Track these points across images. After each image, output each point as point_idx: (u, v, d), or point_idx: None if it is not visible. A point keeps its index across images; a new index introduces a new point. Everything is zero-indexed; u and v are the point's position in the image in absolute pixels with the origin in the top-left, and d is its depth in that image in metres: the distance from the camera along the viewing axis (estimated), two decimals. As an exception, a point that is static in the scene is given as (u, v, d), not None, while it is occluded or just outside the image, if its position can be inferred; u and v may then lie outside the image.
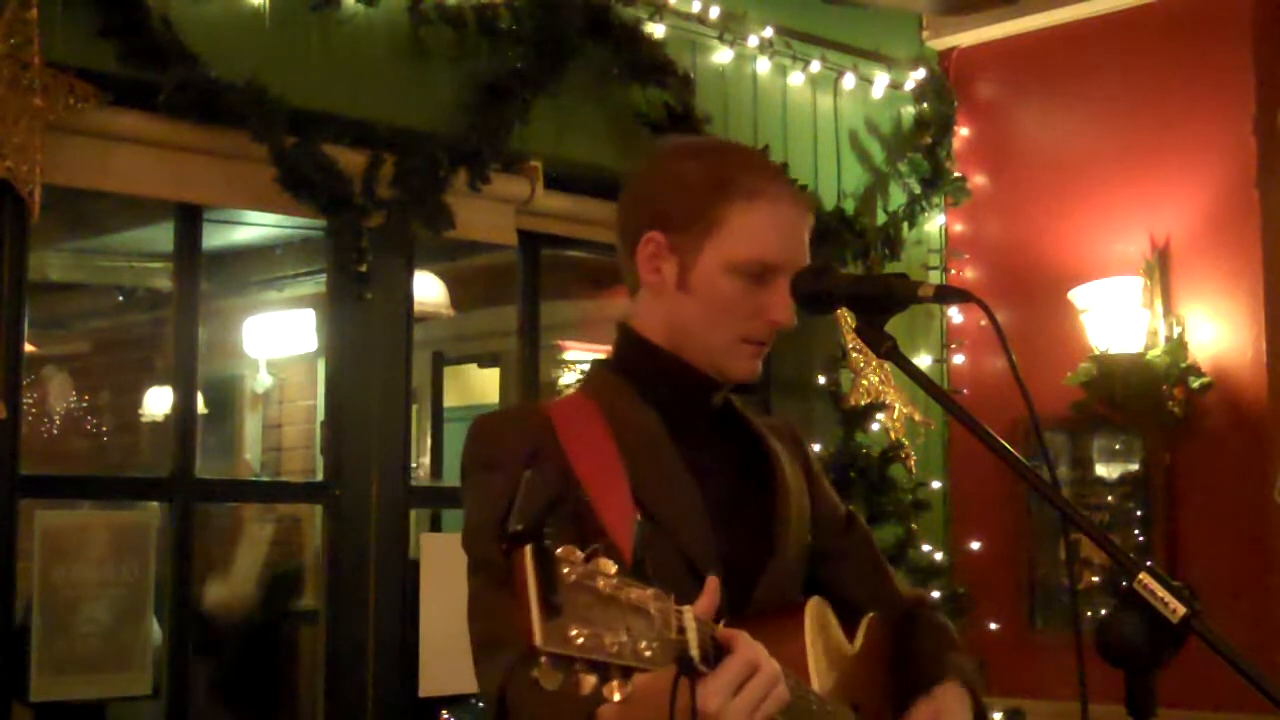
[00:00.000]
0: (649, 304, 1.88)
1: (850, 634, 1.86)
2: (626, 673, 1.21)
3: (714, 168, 1.83)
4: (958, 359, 4.73)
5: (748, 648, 1.39)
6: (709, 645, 1.35)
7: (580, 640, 1.15)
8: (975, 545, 4.60)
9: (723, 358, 1.81)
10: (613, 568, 1.22)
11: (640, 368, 1.86)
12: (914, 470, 4.45)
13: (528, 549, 1.15)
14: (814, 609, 1.73)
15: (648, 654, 1.22)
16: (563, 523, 1.59)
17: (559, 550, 1.17)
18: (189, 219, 3.39)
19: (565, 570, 1.16)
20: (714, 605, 1.40)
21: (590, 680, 1.17)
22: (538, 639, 1.13)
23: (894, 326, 1.69)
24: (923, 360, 4.64)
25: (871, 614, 1.92)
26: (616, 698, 1.19)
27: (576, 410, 1.81)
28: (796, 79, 4.40)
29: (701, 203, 1.80)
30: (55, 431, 6.92)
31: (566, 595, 1.15)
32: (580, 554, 1.20)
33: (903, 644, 1.96)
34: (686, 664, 1.28)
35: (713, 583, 1.42)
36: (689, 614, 1.31)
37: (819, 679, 1.66)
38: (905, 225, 4.58)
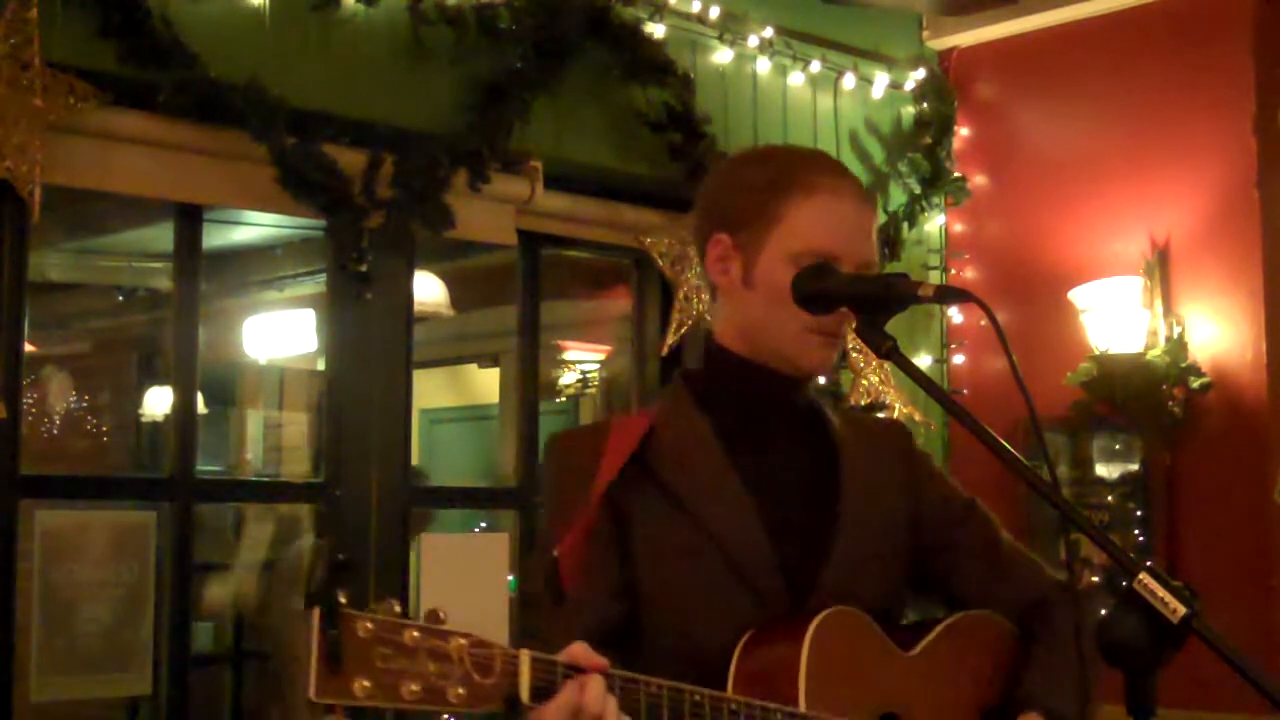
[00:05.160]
0: (724, 307, 1.92)
1: (916, 640, 1.86)
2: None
3: (773, 166, 1.88)
4: (958, 359, 4.73)
5: (568, 693, 1.45)
6: (557, 685, 1.45)
7: (362, 691, 1.30)
8: (975, 545, 4.59)
9: (791, 349, 1.84)
10: (439, 621, 1.37)
11: (707, 374, 1.92)
12: (914, 470, 4.45)
13: (315, 611, 1.30)
14: (829, 621, 1.73)
15: (457, 699, 1.36)
16: (605, 544, 1.77)
17: (378, 608, 1.33)
18: (189, 219, 3.39)
19: (365, 626, 1.31)
20: (584, 652, 1.49)
21: None
22: (311, 693, 1.29)
23: (894, 326, 1.70)
24: (923, 360, 4.64)
25: (953, 618, 1.92)
26: None
27: (633, 423, 1.86)
28: (796, 79, 4.40)
29: (761, 200, 1.85)
30: (55, 431, 6.92)
31: (358, 650, 1.30)
32: (397, 609, 1.35)
33: (1014, 646, 1.94)
34: (512, 703, 1.40)
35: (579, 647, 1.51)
36: (525, 656, 1.42)
37: (821, 693, 1.68)
38: (905, 225, 4.58)
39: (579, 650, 1.50)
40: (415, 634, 1.35)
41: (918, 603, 2.06)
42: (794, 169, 1.87)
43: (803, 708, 1.67)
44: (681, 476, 1.82)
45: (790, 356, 1.85)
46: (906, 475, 1.98)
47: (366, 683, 1.31)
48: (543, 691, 1.44)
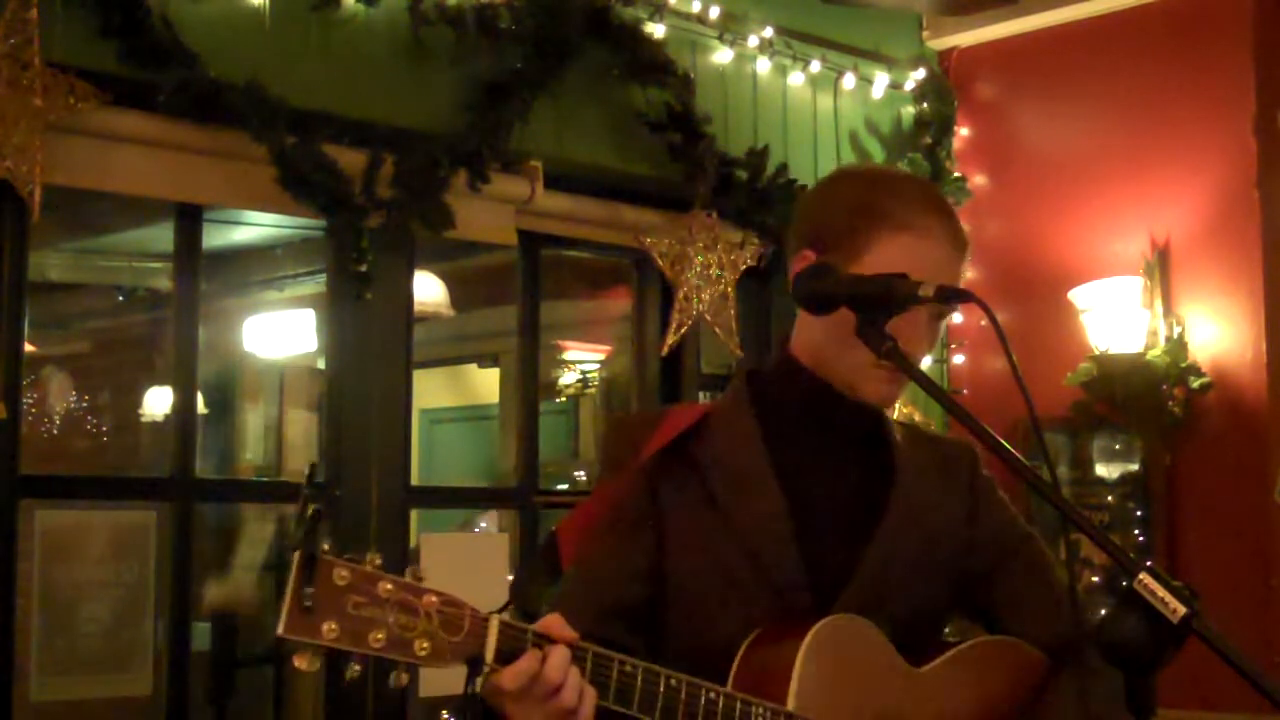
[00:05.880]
0: (801, 320, 1.91)
1: (934, 657, 1.86)
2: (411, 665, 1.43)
3: (869, 194, 1.86)
4: (958, 359, 4.73)
5: (527, 660, 1.49)
6: (523, 650, 1.49)
7: (330, 633, 1.37)
8: (975, 545, 4.59)
9: (855, 379, 1.84)
10: (414, 578, 1.43)
11: (771, 379, 1.92)
12: (914, 470, 4.44)
13: (295, 554, 1.37)
14: (831, 626, 1.74)
15: (422, 651, 1.42)
16: (639, 528, 1.81)
17: (358, 559, 1.40)
18: (189, 219, 3.39)
19: (341, 573, 1.38)
20: (559, 624, 1.53)
21: (355, 668, 1.40)
22: (280, 628, 1.36)
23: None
24: (923, 360, 4.63)
25: (976, 641, 1.93)
26: (391, 683, 1.44)
27: (686, 413, 1.88)
28: (796, 79, 4.40)
29: (850, 227, 1.83)
30: (55, 431, 6.92)
31: (328, 595, 1.37)
32: (377, 562, 1.41)
33: (1044, 679, 1.93)
34: (475, 664, 1.47)
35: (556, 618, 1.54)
36: (495, 621, 1.48)
37: (814, 696, 1.69)
38: (905, 225, 4.57)
39: (552, 621, 1.53)
40: (389, 586, 1.41)
41: (963, 624, 2.07)
42: (888, 200, 1.84)
43: (790, 707, 1.67)
44: (722, 472, 1.83)
45: (853, 385, 1.84)
46: (968, 498, 1.97)
47: (334, 625, 1.37)
48: (508, 657, 1.48)
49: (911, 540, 1.88)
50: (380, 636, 1.40)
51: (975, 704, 1.88)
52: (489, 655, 1.47)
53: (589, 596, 1.78)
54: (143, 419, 6.81)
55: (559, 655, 1.50)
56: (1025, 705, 1.90)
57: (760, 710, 1.65)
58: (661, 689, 1.57)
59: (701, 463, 1.84)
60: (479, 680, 1.49)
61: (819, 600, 1.80)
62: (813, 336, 1.88)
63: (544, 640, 1.50)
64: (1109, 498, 4.38)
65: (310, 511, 1.39)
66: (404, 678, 1.44)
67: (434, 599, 1.44)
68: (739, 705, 1.64)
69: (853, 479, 1.90)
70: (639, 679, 1.56)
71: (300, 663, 1.39)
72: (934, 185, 2.00)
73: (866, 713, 1.76)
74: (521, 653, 1.48)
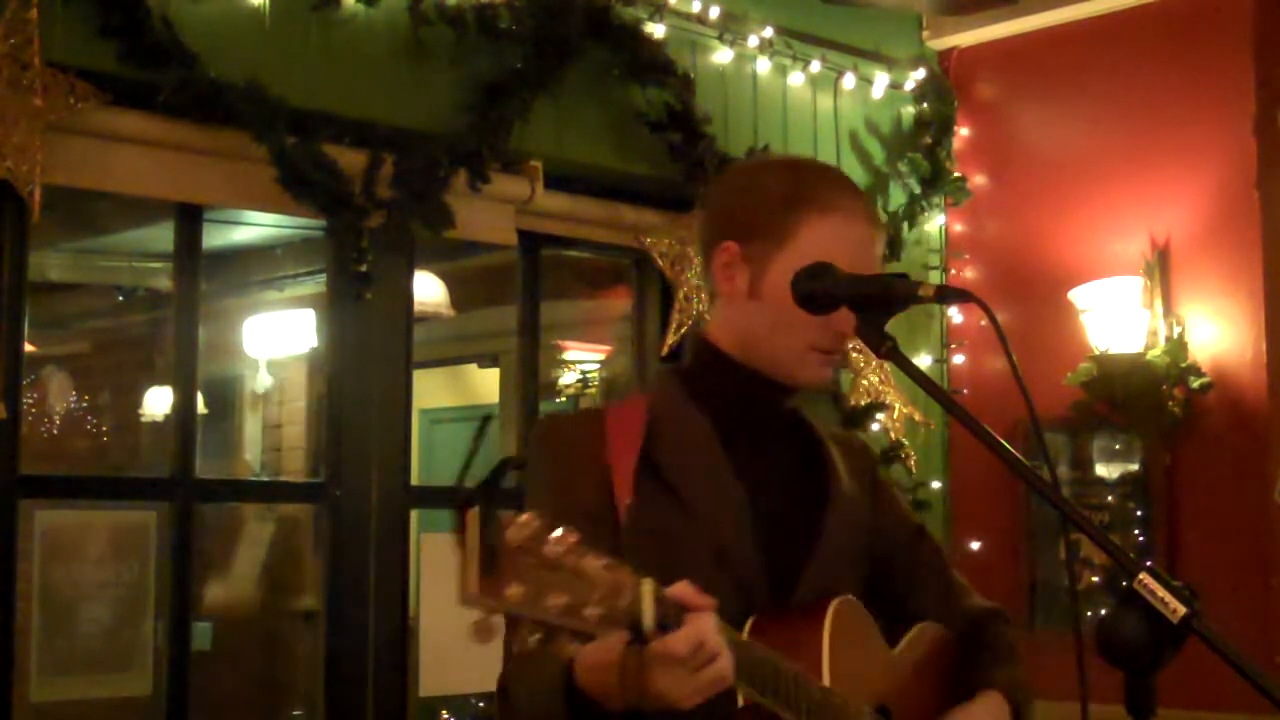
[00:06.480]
0: (723, 312, 1.93)
1: (897, 640, 1.90)
2: (575, 636, 1.30)
3: (790, 180, 1.88)
4: (958, 359, 4.73)
5: (696, 625, 1.44)
6: (670, 619, 1.41)
7: (515, 597, 1.24)
8: (975, 545, 4.59)
9: (792, 365, 1.86)
10: (572, 538, 1.30)
11: (701, 373, 1.92)
12: (914, 470, 4.45)
13: (474, 509, 1.25)
14: (841, 608, 1.76)
15: (592, 618, 1.30)
16: (603, 526, 1.72)
17: (518, 517, 1.28)
18: (189, 219, 3.39)
19: (512, 532, 1.26)
20: (693, 591, 1.46)
21: (535, 637, 1.28)
22: (471, 588, 1.23)
23: (894, 326, 1.71)
24: (923, 360, 4.64)
25: (924, 623, 1.97)
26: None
27: (628, 412, 1.86)
28: (796, 79, 4.40)
29: (776, 214, 1.85)
30: (55, 431, 6.92)
31: (508, 556, 1.25)
32: (537, 522, 1.28)
33: (961, 656, 2.00)
34: (637, 631, 1.36)
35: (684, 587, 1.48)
36: (647, 586, 1.37)
37: (835, 675, 1.70)
38: (905, 225, 4.58)
39: (685, 587, 1.47)
40: (558, 547, 1.29)
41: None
42: (810, 185, 1.87)
43: (827, 684, 1.69)
44: (680, 466, 1.82)
45: (790, 372, 1.87)
46: (871, 490, 2.02)
47: (519, 588, 1.25)
48: (661, 623, 1.40)
49: (850, 528, 1.92)
50: (559, 601, 1.27)
51: (935, 683, 1.94)
52: (648, 621, 1.37)
53: None
54: (143, 419, 6.81)
55: (713, 620, 1.46)
56: (959, 681, 1.96)
57: (817, 690, 1.66)
58: (751, 662, 1.57)
59: (657, 459, 1.81)
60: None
61: (775, 591, 1.81)
62: (738, 325, 1.89)
63: (684, 607, 1.45)
64: (1109, 498, 4.38)
65: (500, 462, 1.29)
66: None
67: (598, 561, 1.32)
68: (804, 682, 1.64)
69: (794, 468, 1.93)
70: (736, 652, 1.54)
71: (479, 634, 1.25)
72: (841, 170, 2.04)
73: (869, 692, 1.80)
74: (666, 619, 1.41)
